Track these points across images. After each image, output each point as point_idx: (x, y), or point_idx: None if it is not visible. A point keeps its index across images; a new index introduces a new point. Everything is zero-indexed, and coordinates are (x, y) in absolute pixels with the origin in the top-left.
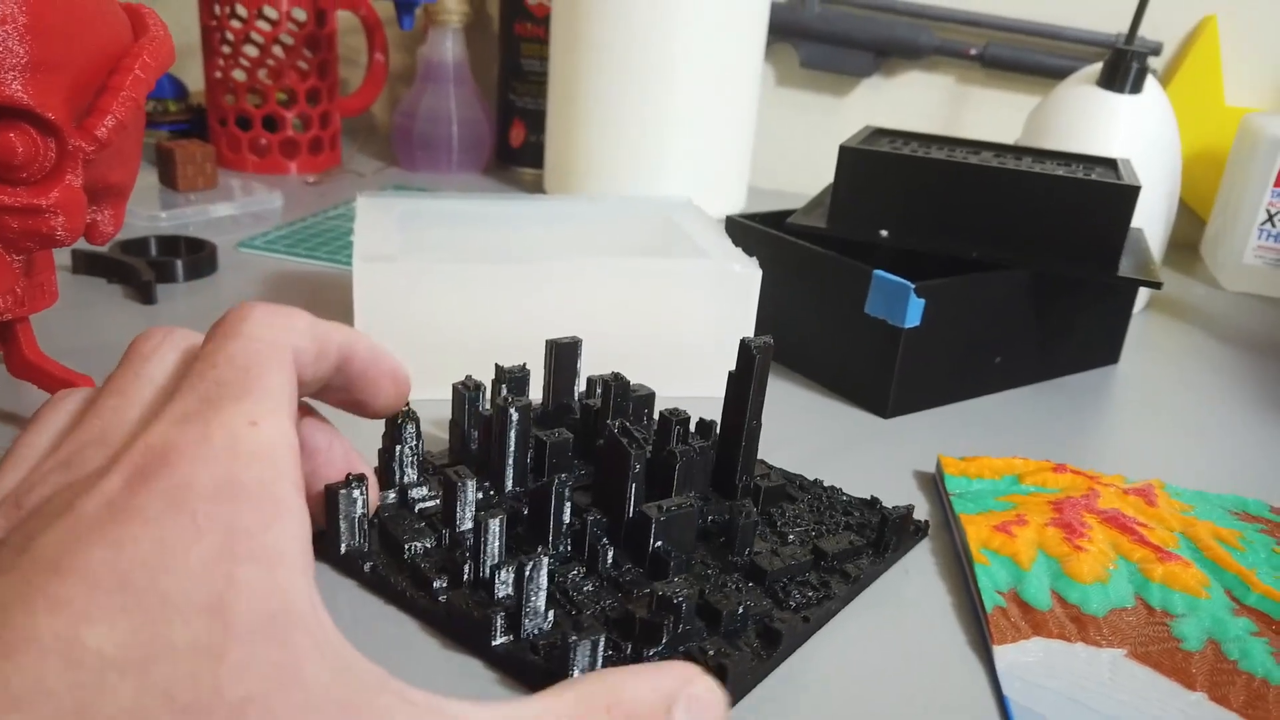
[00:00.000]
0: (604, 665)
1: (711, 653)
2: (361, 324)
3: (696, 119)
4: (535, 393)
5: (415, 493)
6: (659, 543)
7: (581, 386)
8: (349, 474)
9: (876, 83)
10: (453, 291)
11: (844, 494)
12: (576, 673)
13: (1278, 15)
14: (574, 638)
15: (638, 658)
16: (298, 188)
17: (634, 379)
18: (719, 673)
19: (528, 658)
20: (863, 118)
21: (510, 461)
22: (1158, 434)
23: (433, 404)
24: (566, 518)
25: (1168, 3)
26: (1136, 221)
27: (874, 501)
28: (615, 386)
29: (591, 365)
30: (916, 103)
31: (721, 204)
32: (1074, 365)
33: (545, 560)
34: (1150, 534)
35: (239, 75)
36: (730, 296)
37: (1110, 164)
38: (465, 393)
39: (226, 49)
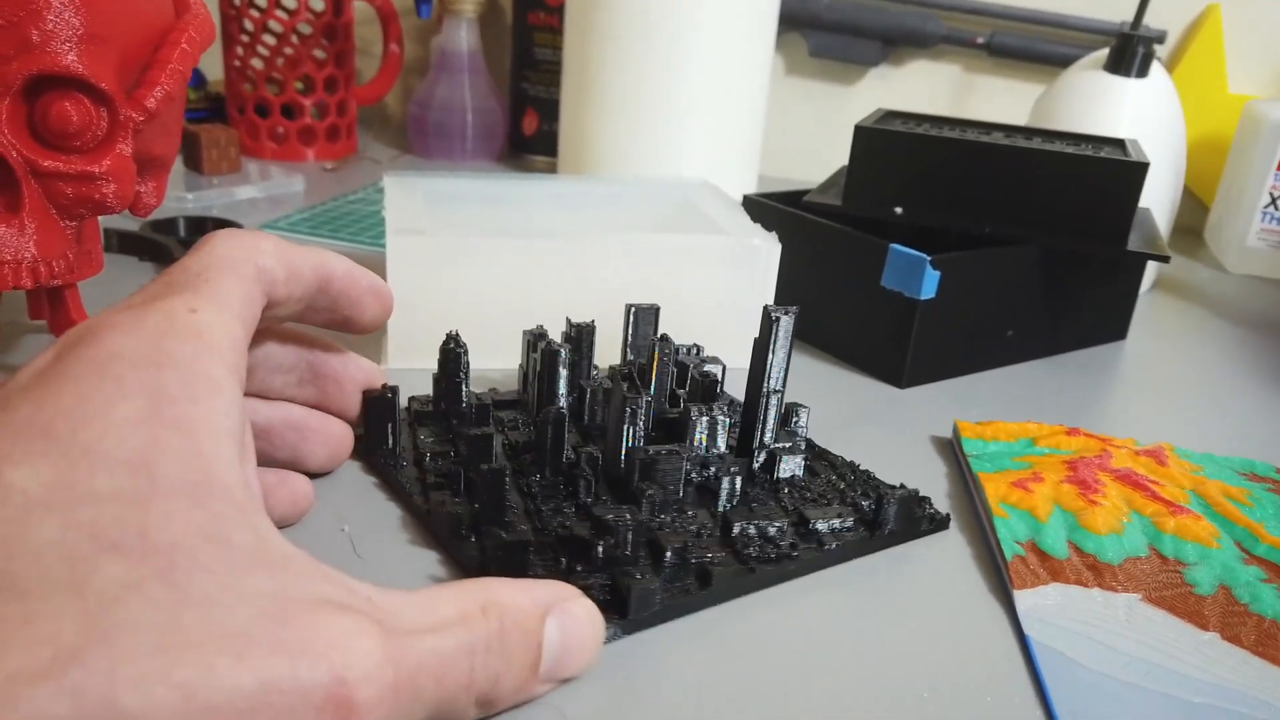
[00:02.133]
0: (535, 575)
1: (638, 577)
2: (394, 296)
3: (708, 108)
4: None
5: (456, 419)
6: (640, 482)
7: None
8: (384, 384)
9: (884, 71)
10: (483, 264)
11: (870, 474)
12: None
13: (1272, 4)
14: (504, 538)
15: (570, 573)
16: (316, 174)
17: None
18: (623, 592)
19: (470, 555)
20: (871, 106)
21: (560, 401)
22: (1166, 403)
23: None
24: (565, 449)
25: None
26: (1141, 204)
27: (901, 486)
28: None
29: (616, 336)
30: (924, 91)
31: (732, 191)
32: (1083, 340)
33: (505, 474)
34: (1162, 490)
35: (257, 64)
36: (751, 270)
37: (1119, 144)
38: (530, 338)
39: (245, 38)
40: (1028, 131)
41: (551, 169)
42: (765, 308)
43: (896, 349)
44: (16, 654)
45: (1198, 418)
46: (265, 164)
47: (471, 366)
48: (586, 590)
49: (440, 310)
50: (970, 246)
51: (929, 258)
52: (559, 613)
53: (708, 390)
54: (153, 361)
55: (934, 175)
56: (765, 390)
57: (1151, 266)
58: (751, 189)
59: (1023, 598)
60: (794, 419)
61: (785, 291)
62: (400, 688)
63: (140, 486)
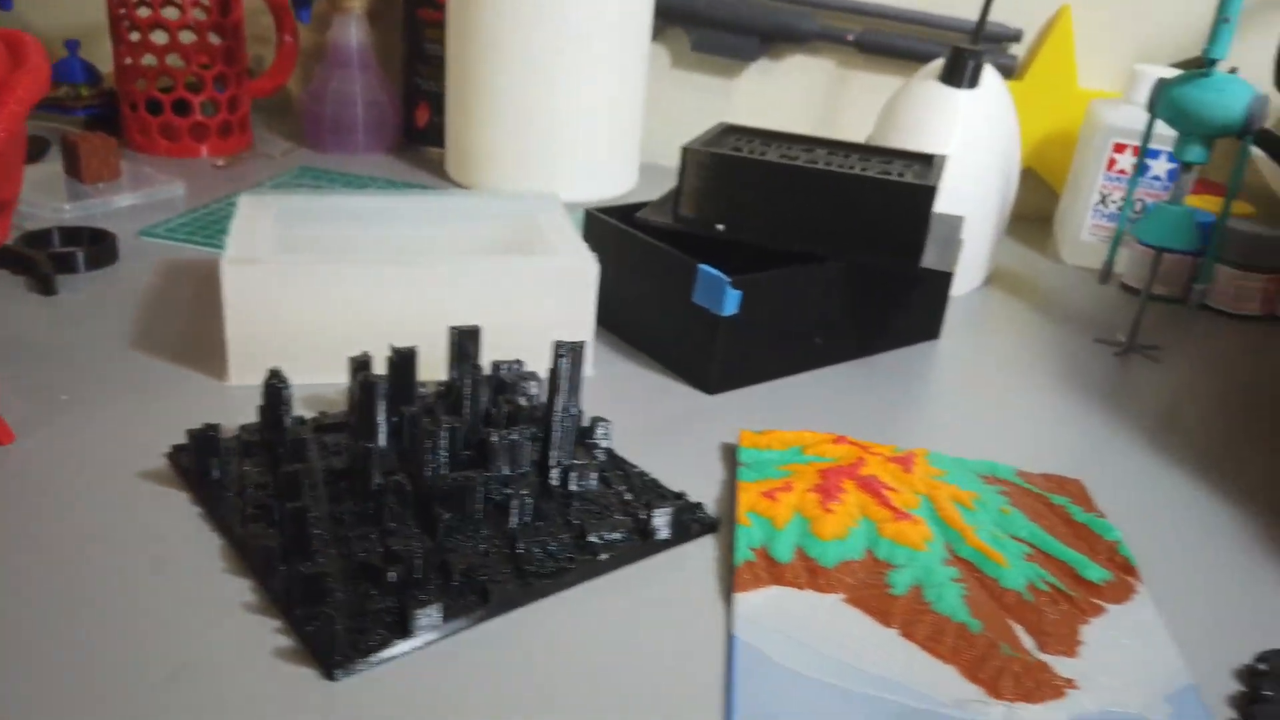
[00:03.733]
0: (334, 600)
1: (423, 599)
2: (232, 320)
3: (586, 103)
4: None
5: (282, 448)
6: (438, 508)
7: (486, 370)
8: (205, 423)
9: (765, 66)
10: (316, 289)
11: (657, 483)
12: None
13: (1124, 6)
14: (304, 571)
15: (365, 595)
16: (208, 171)
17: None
18: (403, 619)
19: (278, 585)
20: (753, 99)
21: (380, 429)
22: (945, 406)
23: (305, 388)
24: (375, 478)
25: None
26: (969, 207)
27: (680, 495)
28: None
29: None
30: (801, 86)
31: (613, 183)
32: (896, 341)
33: (308, 511)
34: (895, 497)
35: (149, 60)
36: (571, 290)
37: (928, 160)
38: (353, 365)
39: (135, 35)
40: (850, 149)
41: (442, 160)
42: (554, 343)
43: (706, 359)
44: None
45: (970, 422)
46: (147, 169)
47: (309, 384)
48: (375, 614)
49: (278, 331)
50: (799, 257)
51: (728, 279)
52: None
53: (517, 411)
54: None
55: (751, 194)
56: (557, 414)
57: (986, 258)
58: (633, 180)
59: (741, 600)
60: (596, 432)
61: (616, 300)
62: None
63: None
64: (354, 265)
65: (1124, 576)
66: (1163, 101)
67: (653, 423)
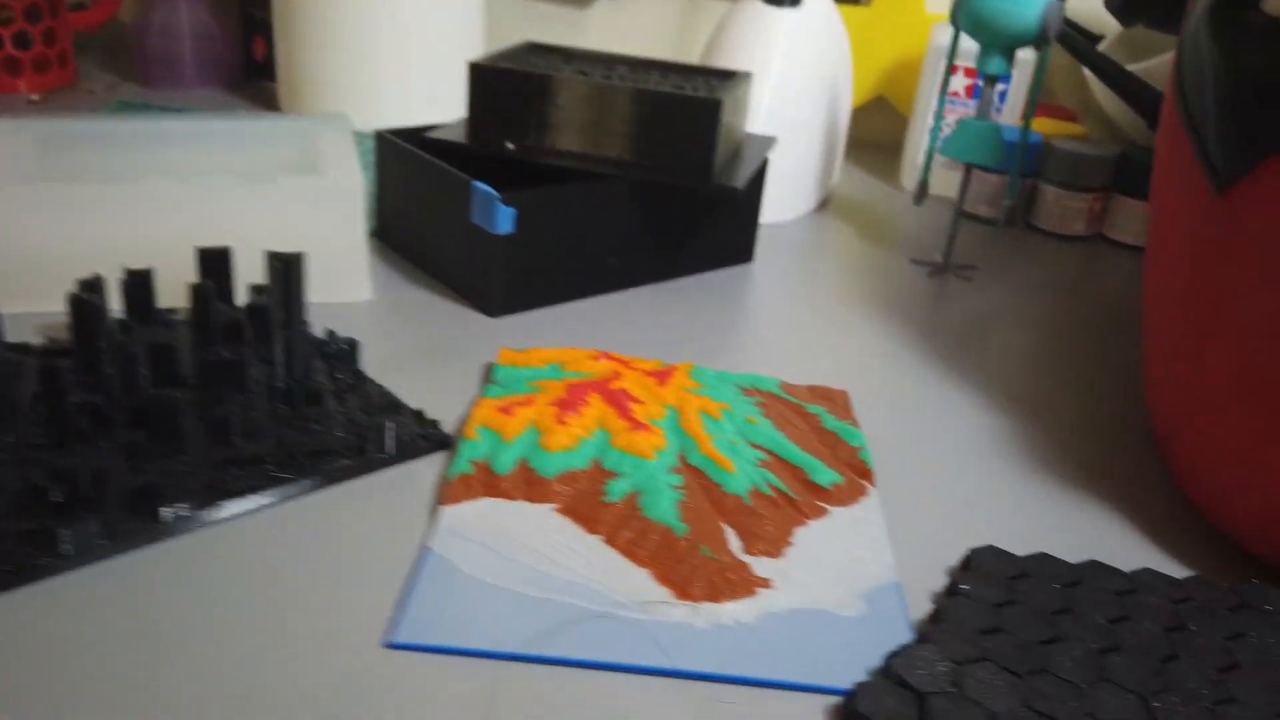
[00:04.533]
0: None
1: (80, 517)
2: None
3: (417, 29)
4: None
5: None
6: (136, 428)
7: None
8: None
9: None
10: (55, 215)
11: (398, 402)
12: None
13: None
14: None
15: (26, 516)
16: (21, 107)
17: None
18: (50, 539)
19: None
20: (605, 31)
21: (104, 353)
22: (740, 327)
23: (48, 315)
24: (69, 398)
25: None
26: (792, 129)
27: (417, 413)
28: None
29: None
30: (653, 15)
31: (453, 111)
32: (704, 265)
33: None
34: (639, 409)
35: None
36: (336, 210)
37: (730, 76)
38: (78, 286)
39: None
40: (652, 66)
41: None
42: (266, 254)
43: (486, 281)
44: None
45: (757, 341)
46: None
47: (53, 311)
48: (27, 534)
49: (15, 258)
50: (593, 177)
51: (498, 195)
52: None
53: (254, 329)
54: None
55: (540, 112)
56: (279, 329)
57: (815, 183)
58: None
59: (447, 512)
60: (341, 352)
61: (402, 222)
62: None
63: None
64: (88, 187)
65: (858, 480)
66: (963, 13)
67: (426, 345)
